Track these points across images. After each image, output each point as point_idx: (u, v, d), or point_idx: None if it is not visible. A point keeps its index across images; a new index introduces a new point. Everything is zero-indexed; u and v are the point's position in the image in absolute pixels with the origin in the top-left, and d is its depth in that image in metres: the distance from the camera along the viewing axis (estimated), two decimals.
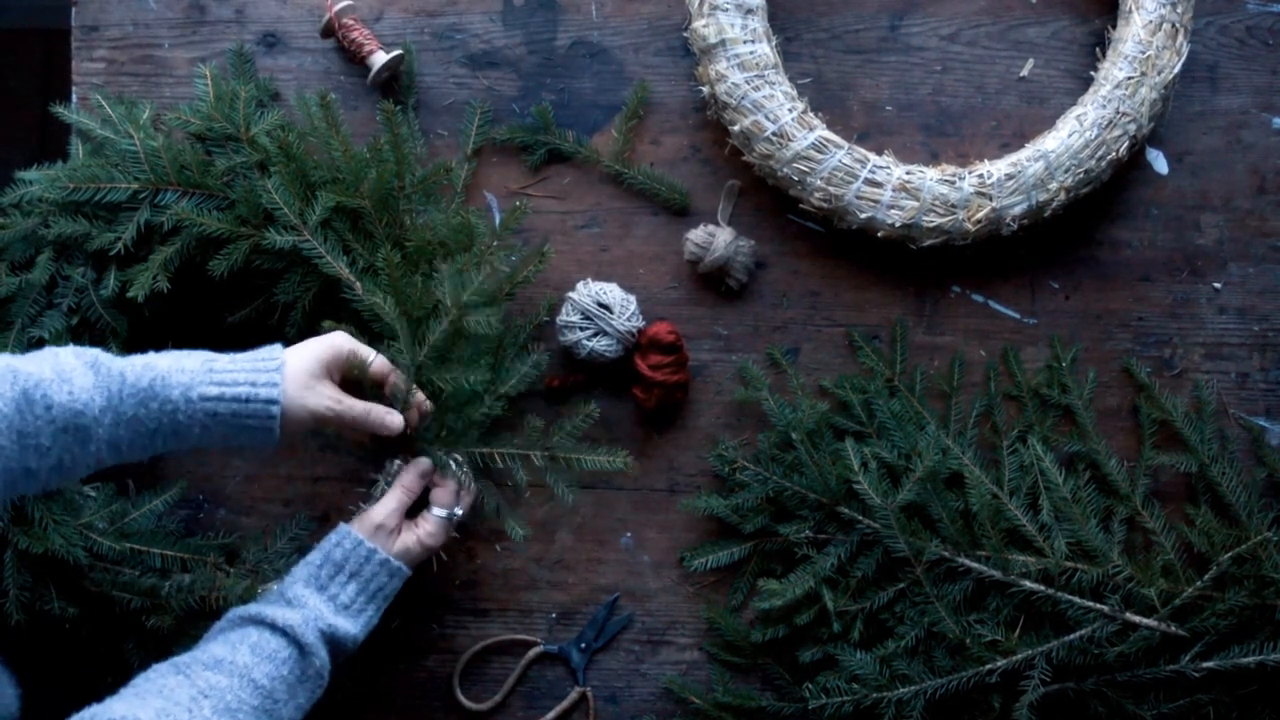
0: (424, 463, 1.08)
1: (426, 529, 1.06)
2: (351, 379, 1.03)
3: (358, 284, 1.10)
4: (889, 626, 1.15)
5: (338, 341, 1.01)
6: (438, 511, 1.07)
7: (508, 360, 1.17)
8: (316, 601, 0.98)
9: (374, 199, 1.12)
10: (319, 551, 1.02)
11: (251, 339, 1.21)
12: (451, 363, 1.06)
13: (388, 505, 1.05)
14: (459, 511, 1.08)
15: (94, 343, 1.13)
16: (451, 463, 1.07)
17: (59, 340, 1.11)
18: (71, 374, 0.88)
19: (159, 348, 1.20)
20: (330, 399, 0.99)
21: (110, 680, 1.09)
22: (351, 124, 1.24)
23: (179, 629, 1.08)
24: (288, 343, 1.16)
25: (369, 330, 1.09)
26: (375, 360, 1.03)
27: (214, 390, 0.93)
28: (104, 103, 1.16)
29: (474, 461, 1.08)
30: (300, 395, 0.96)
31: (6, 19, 2.15)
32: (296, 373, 0.97)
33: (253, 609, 0.96)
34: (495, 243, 1.15)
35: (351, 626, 1.00)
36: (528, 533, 1.08)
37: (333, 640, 0.98)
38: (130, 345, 1.16)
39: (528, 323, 1.20)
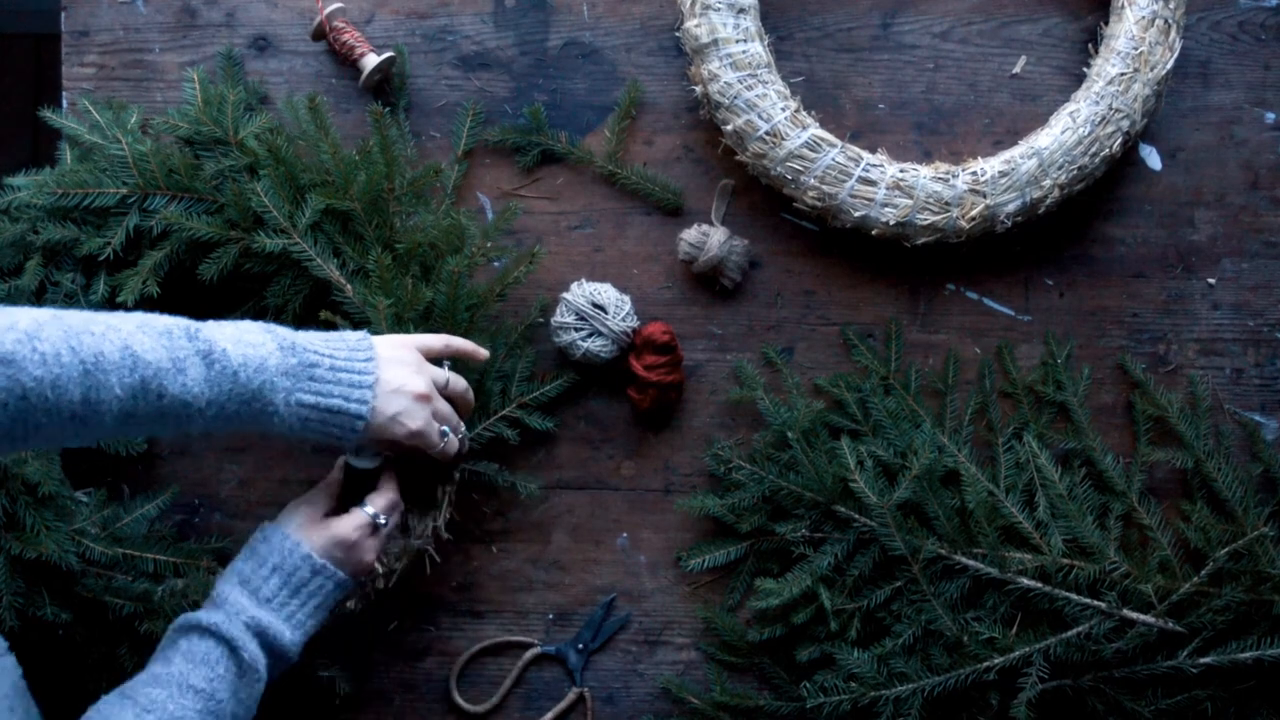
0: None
1: (346, 523, 1.03)
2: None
3: (348, 286, 1.10)
4: (886, 625, 1.15)
5: (427, 342, 1.02)
6: (367, 509, 1.04)
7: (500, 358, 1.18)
8: (238, 596, 0.98)
9: (364, 201, 1.12)
10: (244, 549, 1.02)
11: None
12: None
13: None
14: (381, 518, 1.04)
15: None
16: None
17: None
18: (186, 363, 0.87)
19: None
20: (423, 420, 0.99)
21: (105, 685, 1.09)
22: (343, 127, 1.23)
23: None
24: None
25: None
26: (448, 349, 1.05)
27: (310, 399, 0.93)
28: (91, 108, 1.16)
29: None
30: (386, 412, 0.97)
31: None
32: (385, 389, 0.97)
33: (184, 617, 0.97)
34: (489, 244, 1.15)
35: (276, 620, 0.98)
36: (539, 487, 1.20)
37: (261, 635, 0.97)
38: None
39: (520, 324, 1.20)
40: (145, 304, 1.11)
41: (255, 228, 1.10)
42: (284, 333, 0.94)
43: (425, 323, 1.11)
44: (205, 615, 0.96)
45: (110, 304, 1.12)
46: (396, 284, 1.08)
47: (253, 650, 0.96)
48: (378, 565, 1.10)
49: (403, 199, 1.15)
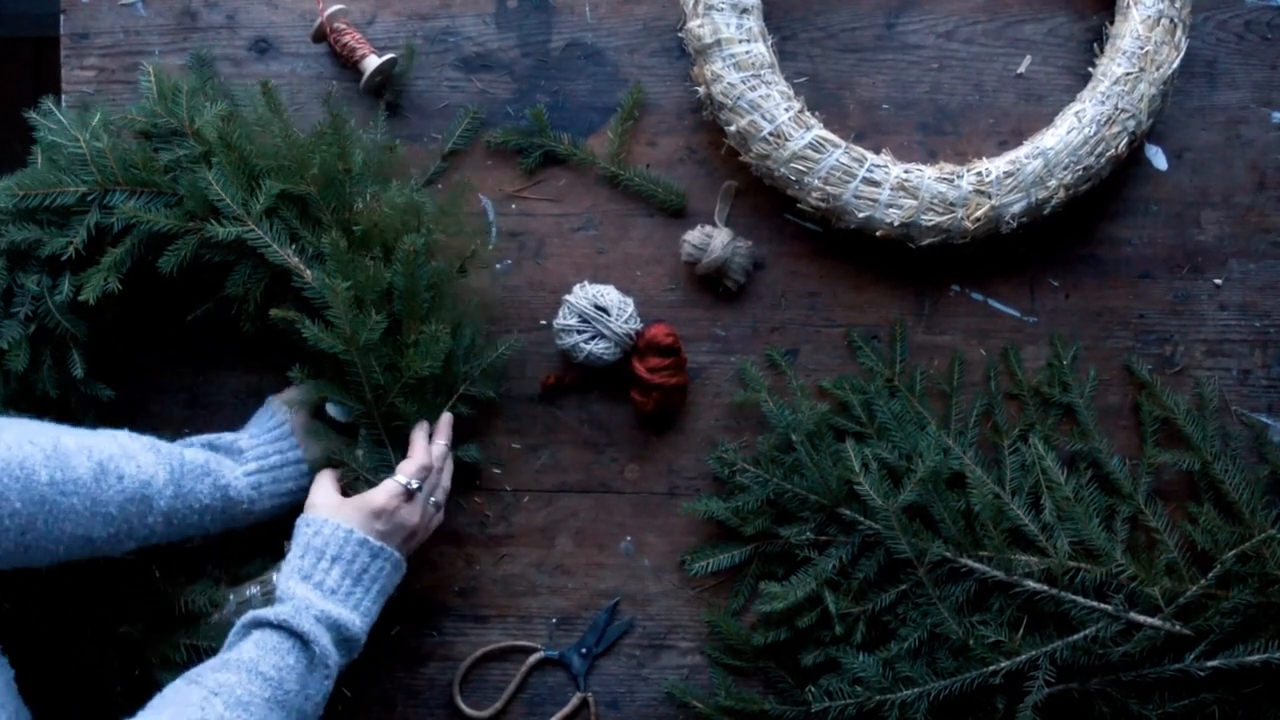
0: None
1: (379, 494, 1.05)
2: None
3: (307, 272, 1.08)
4: (891, 628, 1.14)
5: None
6: (398, 477, 1.06)
7: (466, 341, 1.17)
8: (304, 590, 0.99)
9: (319, 185, 1.10)
10: (296, 545, 1.03)
11: (212, 336, 1.21)
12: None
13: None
14: (414, 483, 1.06)
15: (55, 349, 1.11)
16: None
17: (18, 348, 1.08)
18: (136, 452, 0.99)
19: (121, 351, 1.20)
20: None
21: (92, 691, 1.09)
22: None
23: (149, 637, 1.07)
24: (245, 336, 1.16)
25: (320, 317, 1.08)
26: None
27: (254, 465, 1.08)
28: (54, 109, 1.14)
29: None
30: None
31: None
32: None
33: (251, 614, 0.97)
34: (487, 234, 1.14)
35: (344, 610, 1.00)
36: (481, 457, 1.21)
37: (333, 627, 0.98)
38: (91, 350, 1.13)
39: (487, 299, 1.21)
40: (107, 301, 1.09)
41: (213, 217, 1.09)
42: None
43: (386, 305, 1.10)
44: (273, 612, 0.96)
45: (74, 303, 1.09)
46: (354, 266, 1.07)
47: (324, 644, 0.96)
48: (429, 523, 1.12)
49: (361, 180, 1.13)
